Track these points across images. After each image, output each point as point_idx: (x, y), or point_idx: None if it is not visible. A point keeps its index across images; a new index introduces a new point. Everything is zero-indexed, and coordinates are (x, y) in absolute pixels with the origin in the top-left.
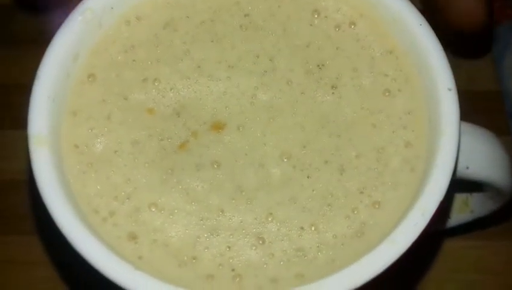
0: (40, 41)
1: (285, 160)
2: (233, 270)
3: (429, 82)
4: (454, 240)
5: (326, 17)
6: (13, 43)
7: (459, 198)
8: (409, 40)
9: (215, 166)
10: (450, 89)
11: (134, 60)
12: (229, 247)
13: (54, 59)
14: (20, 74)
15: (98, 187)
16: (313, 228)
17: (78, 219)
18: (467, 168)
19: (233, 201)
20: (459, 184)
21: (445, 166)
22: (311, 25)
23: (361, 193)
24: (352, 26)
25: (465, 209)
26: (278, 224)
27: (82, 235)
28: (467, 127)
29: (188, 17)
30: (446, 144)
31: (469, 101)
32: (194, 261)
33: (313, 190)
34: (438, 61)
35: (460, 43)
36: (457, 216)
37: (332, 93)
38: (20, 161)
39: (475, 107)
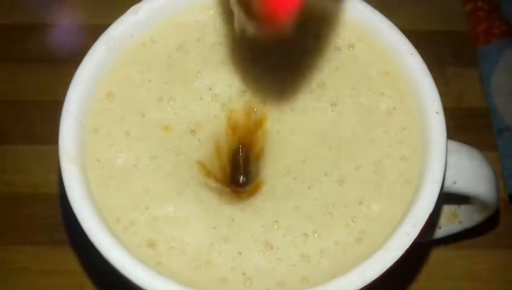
0: (52, 60)
1: (287, 174)
2: (244, 274)
3: (420, 104)
4: (444, 250)
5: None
6: (26, 61)
7: (449, 210)
8: (401, 65)
9: None
10: (437, 113)
11: (150, 80)
12: (240, 252)
13: (80, 84)
14: (32, 91)
15: (119, 198)
16: (316, 235)
17: (104, 228)
18: (455, 182)
19: (243, 211)
20: (448, 197)
21: (434, 182)
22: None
23: (360, 203)
24: (351, 49)
25: (454, 221)
26: (284, 231)
27: (109, 244)
28: (455, 145)
29: (198, 40)
30: (434, 163)
31: (458, 118)
32: (208, 265)
33: (315, 200)
34: (426, 87)
35: None
36: (447, 227)
37: (332, 110)
38: (33, 175)
39: (464, 124)
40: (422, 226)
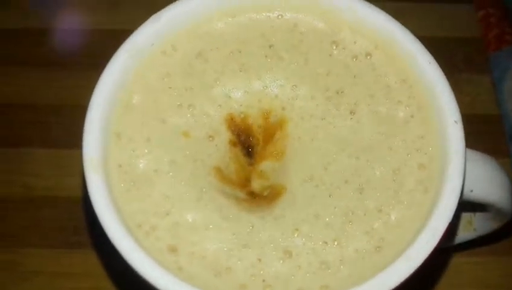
0: (68, 64)
1: (309, 180)
2: (264, 280)
3: (438, 113)
4: (459, 256)
5: (344, 48)
6: (41, 65)
7: (464, 217)
8: (419, 74)
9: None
10: (456, 122)
11: (170, 87)
12: (259, 259)
13: (103, 91)
14: (48, 95)
15: (141, 204)
16: (335, 243)
17: (127, 234)
18: (471, 191)
19: (262, 219)
20: (463, 205)
21: (453, 191)
22: (330, 55)
23: (380, 211)
24: (369, 57)
25: (469, 228)
26: (304, 239)
27: (132, 250)
28: (472, 154)
29: (217, 48)
30: (454, 172)
31: (471, 124)
32: (228, 272)
33: (335, 208)
34: (445, 95)
35: None
36: (462, 234)
37: (351, 118)
38: (49, 178)
39: (477, 130)
40: (441, 235)
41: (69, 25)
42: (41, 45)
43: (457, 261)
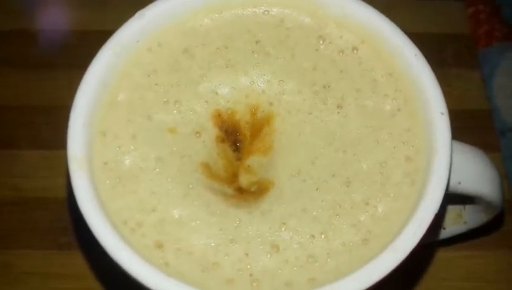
0: (58, 65)
1: (296, 175)
2: (251, 275)
3: (424, 105)
4: (449, 250)
5: (330, 43)
6: (32, 66)
7: (454, 210)
8: (405, 67)
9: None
10: (442, 113)
11: (156, 84)
12: (246, 254)
13: (87, 89)
14: (38, 97)
15: (126, 200)
16: (322, 236)
17: (112, 230)
18: (459, 183)
19: (250, 214)
20: (453, 198)
21: (439, 183)
22: (317, 50)
23: (367, 203)
24: (355, 51)
25: (459, 221)
26: (291, 233)
27: (118, 247)
28: (459, 146)
29: (204, 44)
30: (439, 163)
31: (461, 119)
32: (215, 267)
33: (322, 201)
34: (431, 88)
35: None
36: (452, 227)
37: (338, 112)
38: (39, 179)
39: (466, 125)
40: (427, 226)
41: (59, 26)
42: (31, 46)
43: (449, 255)
